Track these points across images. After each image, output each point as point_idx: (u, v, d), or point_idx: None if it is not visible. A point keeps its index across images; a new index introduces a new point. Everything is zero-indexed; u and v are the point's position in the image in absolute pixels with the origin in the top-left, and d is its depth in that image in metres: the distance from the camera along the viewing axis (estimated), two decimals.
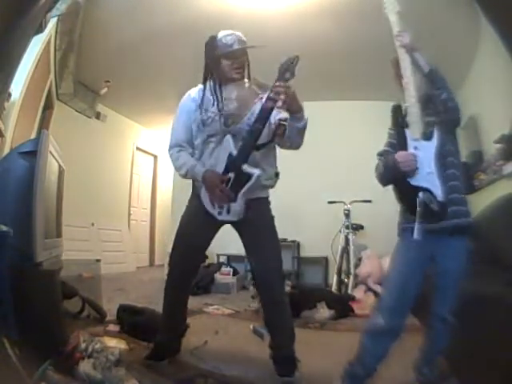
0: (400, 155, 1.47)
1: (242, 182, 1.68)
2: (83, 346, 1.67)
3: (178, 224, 1.87)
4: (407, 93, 1.51)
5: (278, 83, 1.62)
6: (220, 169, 1.72)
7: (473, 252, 1.48)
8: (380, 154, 1.62)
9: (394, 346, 1.48)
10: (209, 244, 1.84)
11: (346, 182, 3.95)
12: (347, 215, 3.66)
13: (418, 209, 1.42)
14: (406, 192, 1.48)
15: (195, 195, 1.82)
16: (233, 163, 1.69)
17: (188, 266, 1.86)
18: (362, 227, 3.84)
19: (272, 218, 1.82)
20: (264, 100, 1.67)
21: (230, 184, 1.69)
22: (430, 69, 1.50)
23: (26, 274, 1.52)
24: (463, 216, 1.48)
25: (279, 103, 1.62)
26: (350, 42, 3.16)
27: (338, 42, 3.19)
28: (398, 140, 1.52)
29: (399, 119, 1.54)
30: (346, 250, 3.60)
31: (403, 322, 1.49)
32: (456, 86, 3.23)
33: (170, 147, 1.85)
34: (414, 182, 1.46)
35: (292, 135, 1.70)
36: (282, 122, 1.69)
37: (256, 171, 1.67)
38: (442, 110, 1.48)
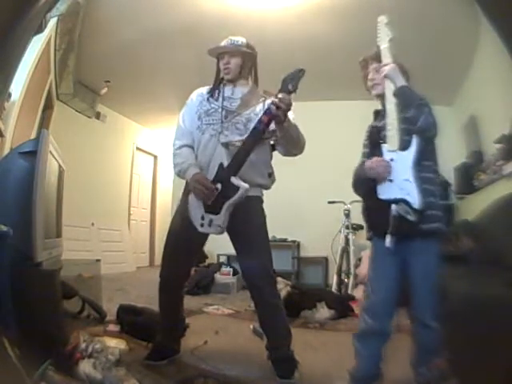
0: (369, 161, 1.47)
1: (229, 194, 1.66)
2: (83, 345, 1.67)
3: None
4: (388, 112, 1.52)
5: (281, 95, 1.59)
6: (218, 160, 1.71)
7: (473, 252, 1.48)
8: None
9: (386, 346, 1.49)
10: (198, 248, 1.81)
11: (346, 182, 3.94)
12: (347, 215, 3.65)
13: (391, 223, 1.40)
14: (375, 209, 1.47)
15: (184, 200, 1.81)
16: (222, 174, 1.68)
17: (177, 270, 1.86)
18: (361, 227, 3.83)
19: (263, 218, 1.81)
20: (263, 113, 1.64)
21: (216, 195, 1.68)
22: (397, 88, 1.50)
23: (26, 273, 1.51)
24: (437, 221, 1.47)
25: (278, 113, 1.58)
26: (349, 41, 3.15)
27: (338, 41, 3.19)
28: (373, 154, 1.52)
29: (375, 136, 1.55)
30: (346, 250, 3.59)
31: (389, 323, 1.49)
32: (456, 86, 3.24)
33: (176, 138, 1.87)
34: (386, 195, 1.44)
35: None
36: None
37: (244, 185, 1.64)
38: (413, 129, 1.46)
